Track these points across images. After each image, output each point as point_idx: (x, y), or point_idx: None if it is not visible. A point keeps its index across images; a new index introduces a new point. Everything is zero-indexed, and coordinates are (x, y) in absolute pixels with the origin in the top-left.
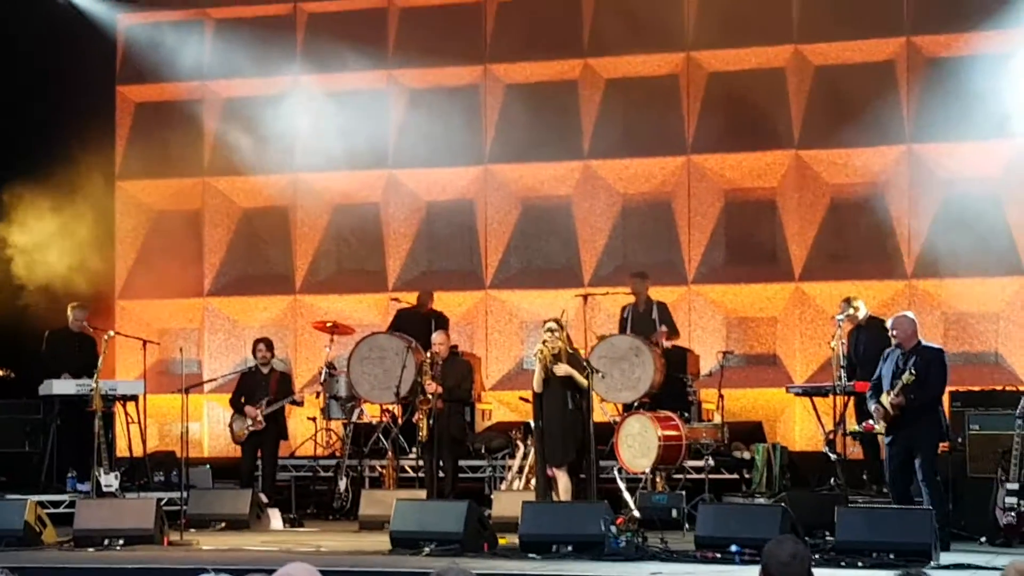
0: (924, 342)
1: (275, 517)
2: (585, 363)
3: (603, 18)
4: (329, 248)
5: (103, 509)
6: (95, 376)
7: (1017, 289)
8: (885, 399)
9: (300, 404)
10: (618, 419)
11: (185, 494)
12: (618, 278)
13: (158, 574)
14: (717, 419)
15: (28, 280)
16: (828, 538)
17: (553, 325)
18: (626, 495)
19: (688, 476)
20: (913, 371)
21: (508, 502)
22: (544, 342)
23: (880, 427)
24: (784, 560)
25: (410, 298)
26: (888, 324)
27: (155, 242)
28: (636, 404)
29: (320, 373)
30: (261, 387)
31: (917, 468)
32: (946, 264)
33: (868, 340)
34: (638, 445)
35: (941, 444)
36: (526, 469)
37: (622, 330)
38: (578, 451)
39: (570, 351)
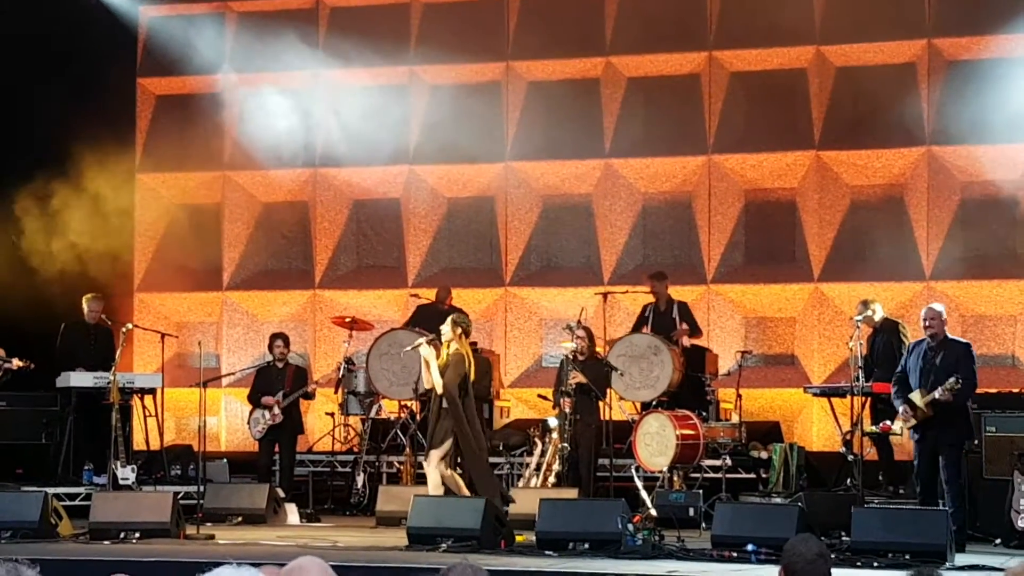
0: (951, 336)
1: (292, 512)
2: (604, 362)
3: (625, 16)
4: (349, 243)
5: (119, 502)
6: (113, 369)
7: None
8: (919, 399)
9: (311, 397)
10: (636, 418)
11: (202, 488)
12: (638, 277)
13: (174, 567)
14: (735, 418)
15: (47, 272)
16: (844, 538)
17: (453, 318)
18: (643, 493)
19: (705, 475)
20: (959, 379)
21: (525, 499)
22: (430, 340)
23: (899, 427)
24: (810, 559)
25: (430, 294)
26: (921, 315)
27: (174, 235)
28: (654, 403)
29: (338, 368)
30: (277, 382)
31: (941, 468)
32: (965, 266)
33: (883, 342)
34: (656, 444)
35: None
36: (544, 467)
37: (637, 328)
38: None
39: (590, 349)
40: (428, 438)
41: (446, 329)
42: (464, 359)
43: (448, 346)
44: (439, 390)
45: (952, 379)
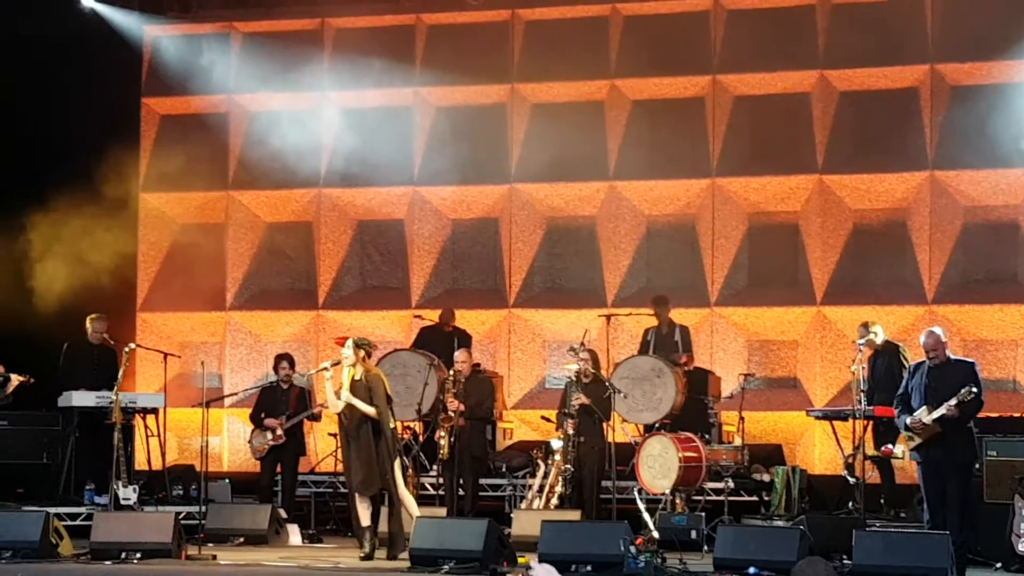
0: (953, 356)
1: (294, 533)
2: (607, 384)
3: (630, 40)
4: (353, 264)
5: (121, 522)
6: (115, 388)
7: None
8: (926, 415)
9: (317, 419)
10: (639, 440)
11: (204, 508)
12: (641, 299)
13: None
14: (737, 441)
15: (50, 291)
16: (846, 561)
17: (355, 341)
18: (646, 516)
19: (708, 498)
20: (971, 388)
21: (528, 521)
22: (337, 362)
23: (901, 450)
24: None
25: (433, 315)
26: (920, 340)
27: (178, 255)
28: (657, 425)
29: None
30: (281, 402)
31: (949, 489)
32: (966, 290)
33: (886, 365)
34: (658, 466)
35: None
36: (546, 488)
37: (643, 352)
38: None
39: (593, 372)
40: (366, 469)
41: (349, 353)
42: (382, 380)
43: (355, 368)
44: (371, 414)
45: (965, 388)
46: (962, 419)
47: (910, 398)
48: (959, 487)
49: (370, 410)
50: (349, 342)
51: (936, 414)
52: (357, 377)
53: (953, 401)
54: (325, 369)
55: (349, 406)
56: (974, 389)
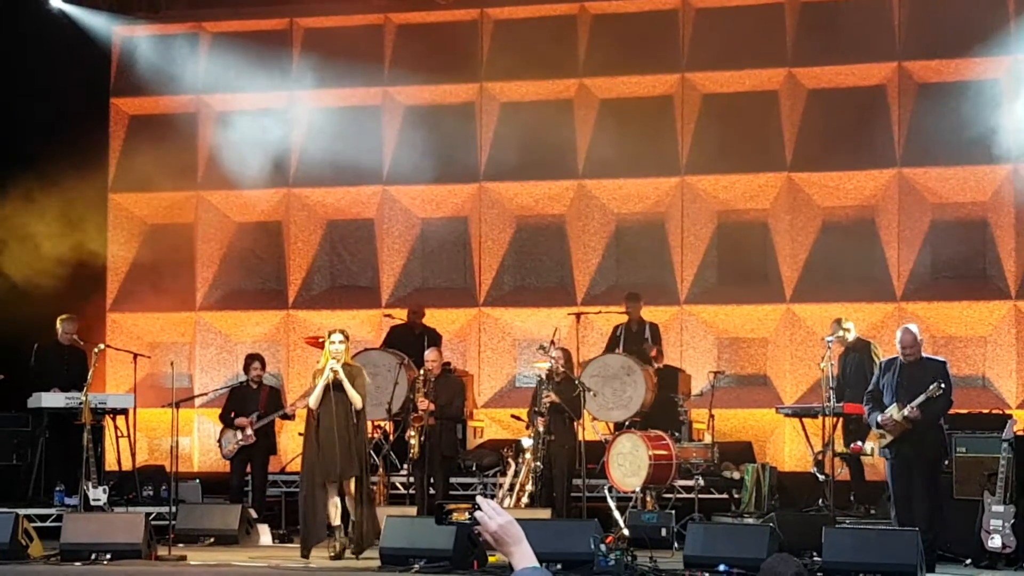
0: (926, 355)
1: (264, 533)
2: (577, 382)
3: (599, 38)
4: (322, 264)
5: (91, 523)
6: (85, 389)
7: (1004, 313)
8: (896, 412)
9: (291, 418)
10: (609, 438)
11: (174, 509)
12: (611, 297)
13: None
14: (707, 439)
15: (19, 291)
16: (815, 558)
17: (343, 332)
18: (616, 514)
19: (678, 495)
20: (942, 384)
21: None
22: (332, 358)
23: (870, 447)
24: None
25: (403, 315)
26: (897, 336)
27: (147, 255)
28: (627, 423)
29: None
30: (251, 402)
31: (917, 486)
32: (935, 287)
33: (856, 362)
34: (629, 464)
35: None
36: (517, 487)
37: (611, 348)
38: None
39: (563, 370)
40: (345, 461)
41: (341, 348)
42: (364, 373)
43: (339, 361)
44: (358, 405)
45: (935, 384)
46: (929, 417)
47: (882, 395)
48: (928, 484)
49: (355, 395)
50: (337, 335)
51: (906, 411)
52: (339, 368)
53: (917, 401)
54: (336, 371)
55: (326, 394)
56: (943, 385)
